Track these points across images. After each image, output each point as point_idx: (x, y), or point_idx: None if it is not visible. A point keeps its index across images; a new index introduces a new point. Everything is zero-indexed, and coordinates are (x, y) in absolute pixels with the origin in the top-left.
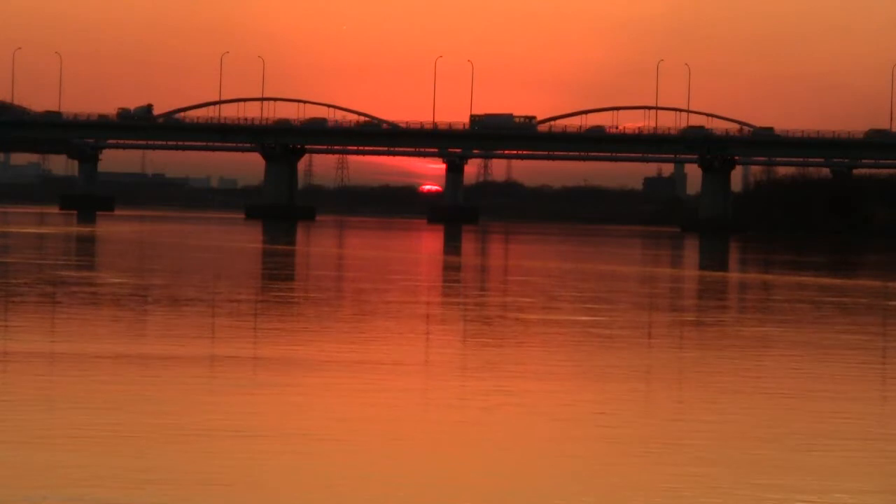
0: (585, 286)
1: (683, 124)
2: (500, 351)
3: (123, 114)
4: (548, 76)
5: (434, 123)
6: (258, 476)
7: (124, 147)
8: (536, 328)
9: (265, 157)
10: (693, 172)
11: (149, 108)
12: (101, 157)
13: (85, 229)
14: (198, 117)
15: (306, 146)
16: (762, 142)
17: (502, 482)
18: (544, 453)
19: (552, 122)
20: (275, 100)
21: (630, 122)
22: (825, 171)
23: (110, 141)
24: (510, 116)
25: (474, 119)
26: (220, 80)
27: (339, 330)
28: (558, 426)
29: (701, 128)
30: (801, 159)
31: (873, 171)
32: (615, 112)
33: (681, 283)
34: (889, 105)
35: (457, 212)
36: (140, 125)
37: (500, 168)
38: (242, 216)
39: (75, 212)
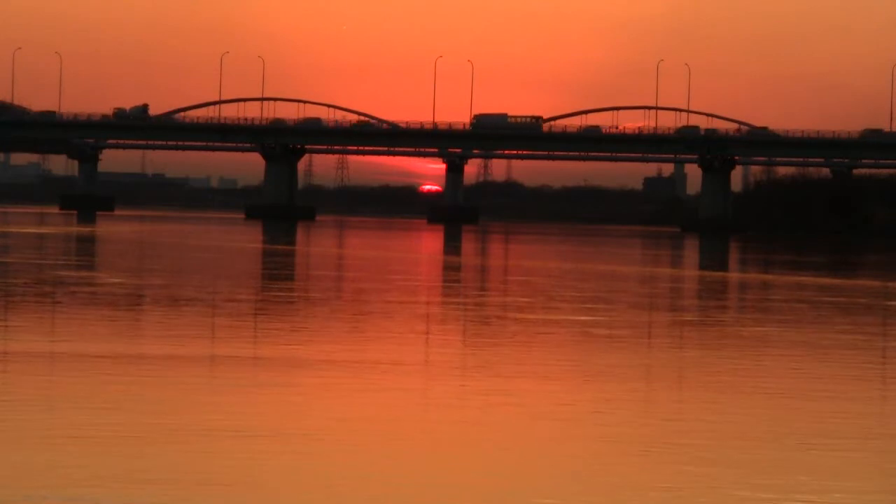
0: (585, 286)
1: (683, 124)
2: (500, 351)
3: (119, 113)
4: (548, 76)
5: (434, 123)
6: (258, 476)
7: (124, 147)
8: (536, 328)
9: (265, 157)
10: (693, 172)
11: (144, 107)
12: (101, 157)
13: (85, 229)
14: (198, 117)
15: (306, 146)
16: (762, 142)
17: (502, 482)
18: (544, 453)
19: (552, 122)
20: (275, 100)
21: (630, 122)
22: (825, 171)
23: (110, 141)
24: (504, 116)
25: (477, 119)
26: (220, 80)
27: (339, 330)
28: (558, 426)
29: (696, 127)
30: (801, 159)
31: (873, 171)
32: (615, 112)
33: (681, 284)
34: (889, 105)
35: (457, 212)
36: (140, 125)
37: (500, 168)
38: (242, 216)
39: (75, 212)
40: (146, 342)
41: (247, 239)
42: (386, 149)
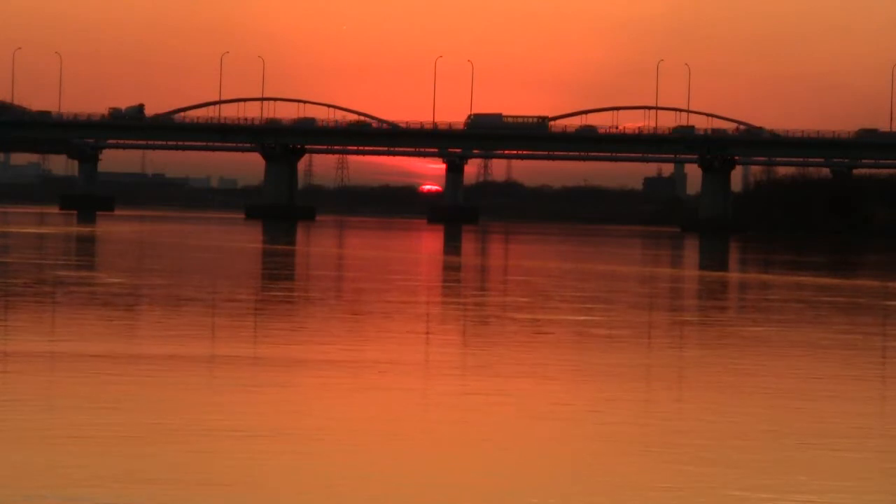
0: (585, 286)
1: (683, 124)
2: (500, 351)
3: (115, 113)
4: (548, 76)
5: (434, 123)
6: (258, 476)
7: (124, 147)
8: (535, 328)
9: (265, 157)
10: (693, 172)
11: (140, 107)
12: (101, 157)
13: (85, 229)
14: (198, 117)
15: (306, 146)
16: (762, 142)
17: (502, 482)
18: (543, 453)
19: (552, 122)
20: (275, 100)
21: (630, 122)
22: (825, 171)
23: (110, 141)
24: (500, 116)
25: (473, 119)
26: (220, 80)
27: (339, 330)
28: (557, 426)
29: (692, 127)
30: (801, 159)
31: (873, 171)
32: (615, 112)
33: (680, 284)
34: (888, 105)
35: (457, 212)
36: (140, 125)
37: (500, 168)
38: (242, 216)
39: (75, 212)
40: (146, 342)
41: (247, 239)
42: (386, 149)
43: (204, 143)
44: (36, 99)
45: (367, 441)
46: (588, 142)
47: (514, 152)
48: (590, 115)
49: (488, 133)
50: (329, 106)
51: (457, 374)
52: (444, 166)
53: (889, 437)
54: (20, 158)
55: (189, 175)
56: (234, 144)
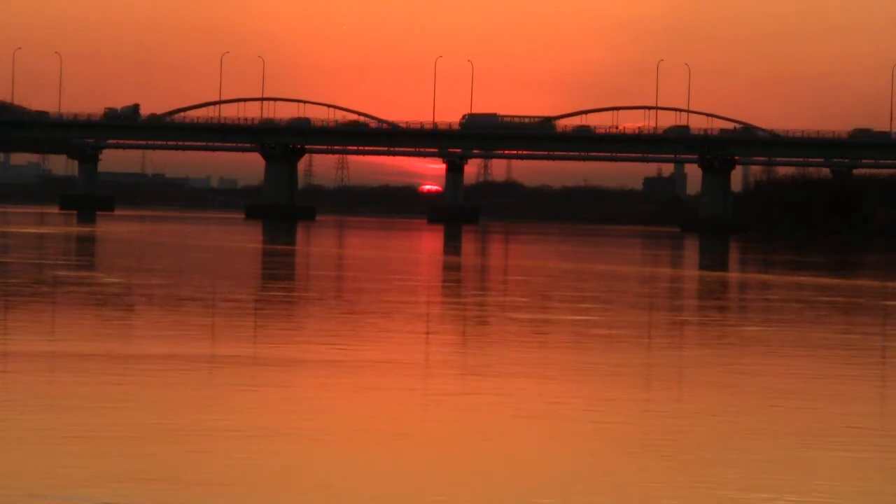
0: (585, 286)
1: (684, 124)
2: (499, 350)
3: (110, 113)
4: (548, 76)
5: (434, 123)
6: (258, 476)
7: (124, 147)
8: (535, 328)
9: (265, 157)
10: (693, 172)
11: (135, 107)
12: (101, 157)
13: (85, 229)
14: (197, 117)
15: (306, 146)
16: (762, 142)
17: (502, 482)
18: (543, 453)
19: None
20: (275, 100)
21: (630, 122)
22: (825, 171)
23: (110, 141)
24: (495, 116)
25: (468, 119)
26: (220, 80)
27: (339, 330)
28: (557, 425)
29: (686, 127)
30: (801, 159)
31: (873, 171)
32: (615, 112)
33: (680, 284)
34: (888, 105)
35: (457, 212)
36: (140, 125)
37: (500, 168)
38: (242, 216)
39: (75, 212)
40: (146, 342)
41: (247, 239)
42: (386, 149)
43: (204, 143)
44: (36, 99)
45: (366, 441)
46: (588, 142)
47: (514, 152)
48: (590, 115)
49: (489, 133)
50: (329, 106)
51: (456, 373)
52: (444, 166)
53: (888, 436)
54: (20, 158)
55: (189, 175)
56: (234, 144)
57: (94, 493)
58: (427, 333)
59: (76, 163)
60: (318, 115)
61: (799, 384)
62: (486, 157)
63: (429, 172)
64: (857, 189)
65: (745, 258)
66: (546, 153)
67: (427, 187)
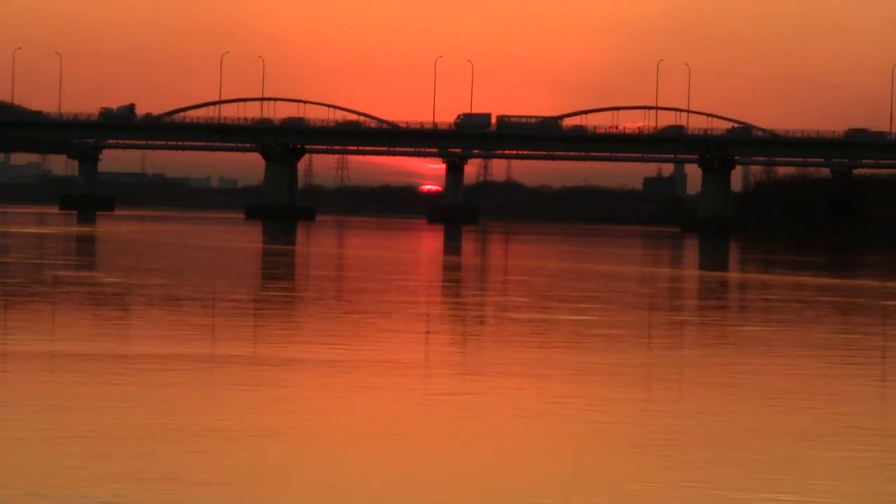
0: (585, 286)
1: (683, 124)
2: (499, 350)
3: (106, 113)
4: (548, 76)
5: (434, 123)
6: (258, 476)
7: (124, 147)
8: (535, 328)
9: (265, 157)
10: (693, 172)
11: (131, 107)
12: (101, 157)
13: (85, 229)
14: (198, 117)
15: (306, 146)
16: (762, 142)
17: (502, 482)
18: (543, 452)
19: (551, 123)
20: (275, 100)
21: (630, 122)
22: (825, 171)
23: (110, 141)
24: (488, 116)
25: (462, 118)
26: (221, 80)
27: (339, 330)
28: (557, 425)
29: (681, 127)
30: (801, 159)
31: (873, 171)
32: (615, 112)
33: (680, 284)
34: (889, 105)
35: (457, 212)
36: (141, 125)
37: (500, 168)
38: (242, 216)
39: (75, 212)
40: (146, 342)
41: (247, 239)
42: (386, 149)
43: (204, 143)
44: (36, 99)
45: (366, 441)
46: (588, 142)
47: (514, 152)
48: (590, 115)
49: (489, 133)
50: (329, 106)
51: (456, 373)
52: (444, 166)
53: (888, 436)
54: (20, 158)
55: (189, 175)
56: (234, 144)
57: (94, 493)
58: (427, 333)
59: (76, 163)
60: (317, 115)
61: (799, 384)
62: (486, 157)
63: (429, 172)
64: (857, 189)
65: (745, 258)
66: (546, 153)
67: (427, 187)
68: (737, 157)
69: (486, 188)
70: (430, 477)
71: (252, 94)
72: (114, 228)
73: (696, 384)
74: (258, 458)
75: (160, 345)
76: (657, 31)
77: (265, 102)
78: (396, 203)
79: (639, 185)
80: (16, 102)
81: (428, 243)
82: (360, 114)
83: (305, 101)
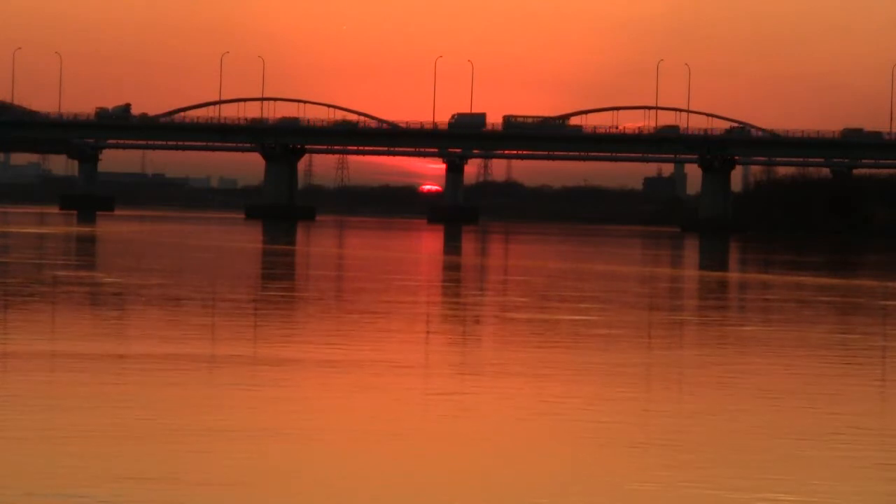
0: (585, 286)
1: (683, 124)
2: (499, 350)
3: (102, 113)
4: (548, 76)
5: (434, 123)
6: (258, 476)
7: (124, 147)
8: (534, 328)
9: (265, 157)
10: (693, 172)
11: (127, 107)
12: (101, 157)
13: (85, 229)
14: (198, 117)
15: (306, 146)
16: (762, 142)
17: (502, 481)
18: (543, 452)
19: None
20: (275, 100)
21: (630, 122)
22: (825, 171)
23: (110, 141)
24: (482, 115)
25: (456, 118)
26: (221, 80)
27: (339, 330)
28: (556, 425)
29: (676, 127)
30: (801, 159)
31: (873, 171)
32: (615, 112)
33: (680, 284)
34: (889, 105)
35: (457, 212)
36: (140, 125)
37: (500, 168)
38: (242, 216)
39: (75, 212)
40: (145, 342)
41: (247, 239)
42: (386, 149)
43: (204, 143)
44: (36, 99)
45: (366, 441)
46: (588, 142)
47: (515, 152)
48: (590, 115)
49: (490, 132)
50: (329, 106)
51: (456, 373)
52: (444, 166)
53: (888, 436)
54: (20, 158)
55: (189, 175)
56: (234, 144)
57: (94, 492)
58: (427, 333)
59: (76, 163)
60: (317, 115)
61: (799, 384)
62: (486, 157)
63: (429, 172)
64: (857, 189)
65: (745, 258)
66: (546, 153)
67: (427, 187)
68: (737, 157)
69: (486, 188)
70: (430, 477)
71: (252, 94)
72: (114, 228)
73: (695, 384)
74: (258, 458)
75: (160, 345)
76: (657, 31)
77: (265, 102)
78: (396, 203)
79: (639, 185)
80: (16, 102)
81: (428, 243)
82: (360, 114)
83: (305, 101)
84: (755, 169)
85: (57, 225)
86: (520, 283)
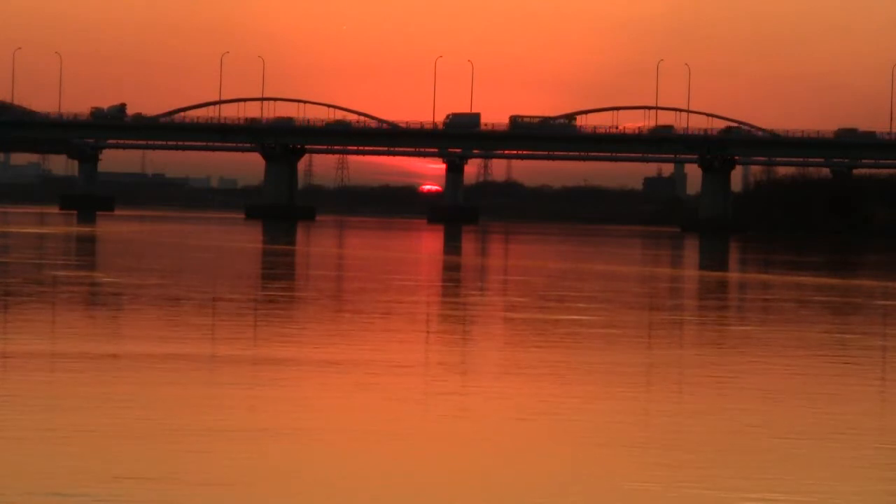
0: (584, 286)
1: (683, 124)
2: (499, 350)
3: (97, 113)
4: (548, 76)
5: (434, 123)
6: (258, 476)
7: (124, 147)
8: (534, 328)
9: (265, 157)
10: (693, 172)
11: (122, 106)
12: (101, 157)
13: (85, 229)
14: (198, 117)
15: (306, 146)
16: (762, 142)
17: (501, 481)
18: (542, 453)
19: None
20: (275, 100)
21: (630, 122)
22: (825, 171)
23: (110, 141)
24: (477, 115)
25: (451, 118)
26: (220, 80)
27: (339, 330)
28: (556, 425)
29: (670, 126)
30: (801, 159)
31: (873, 171)
32: (615, 112)
33: (680, 284)
34: (889, 105)
35: (457, 212)
36: (141, 125)
37: (500, 168)
38: (242, 216)
39: (75, 212)
40: (145, 342)
41: (247, 239)
42: (386, 149)
43: (204, 143)
44: (36, 99)
45: (366, 441)
46: (588, 142)
47: (515, 152)
48: (590, 115)
49: (491, 132)
50: (328, 106)
51: (455, 373)
52: (444, 166)
53: (887, 435)
54: (20, 158)
55: (189, 175)
56: (234, 144)
57: (94, 492)
58: (426, 333)
59: (76, 163)
60: (317, 114)
61: (798, 384)
62: (486, 157)
63: (429, 172)
64: (857, 189)
65: (744, 258)
66: (546, 153)
67: (427, 187)
68: (737, 157)
69: (486, 188)
70: (430, 477)
71: (252, 94)
72: (114, 228)
73: (695, 384)
74: (258, 458)
75: (160, 345)
76: (657, 31)
77: (265, 102)
78: (396, 203)
79: (639, 185)
80: (16, 102)
81: (428, 243)
82: (360, 114)
83: (305, 101)
84: (755, 169)
85: (57, 225)
86: (520, 283)
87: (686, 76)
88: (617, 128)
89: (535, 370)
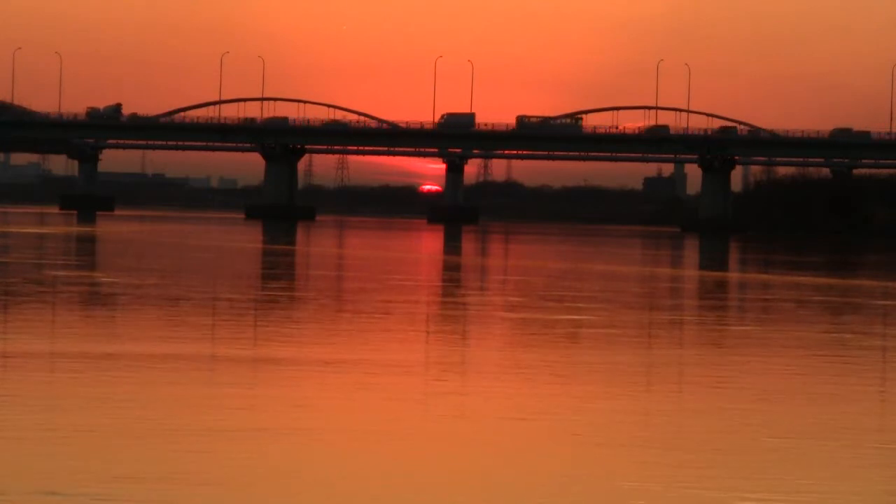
0: (584, 286)
1: (683, 124)
2: (499, 350)
3: (93, 113)
4: (548, 76)
5: (434, 123)
6: (258, 476)
7: (124, 147)
8: (534, 328)
9: (265, 157)
10: (693, 172)
11: (118, 107)
12: (101, 157)
13: (85, 229)
14: (198, 117)
15: (306, 146)
16: (762, 142)
17: (501, 481)
18: (542, 452)
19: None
20: (275, 100)
21: (630, 122)
22: (825, 171)
23: (110, 141)
24: (472, 115)
25: (446, 118)
26: (220, 80)
27: (338, 330)
28: (555, 425)
29: (666, 126)
30: (801, 159)
31: (873, 171)
32: (615, 112)
33: (680, 283)
34: (889, 105)
35: (457, 212)
36: (139, 125)
37: (500, 168)
38: (242, 216)
39: (75, 212)
40: (145, 342)
41: (247, 239)
42: (386, 149)
43: (204, 143)
44: (35, 99)
45: (366, 441)
46: (588, 142)
47: (515, 152)
48: (590, 115)
49: (491, 132)
50: (328, 106)
51: (455, 373)
52: (444, 166)
53: (887, 435)
54: (20, 158)
55: (189, 175)
56: (234, 144)
57: (94, 492)
58: (426, 333)
59: (76, 163)
60: (317, 114)
61: (798, 384)
62: (487, 156)
63: (429, 172)
64: (857, 189)
65: (744, 258)
66: (546, 153)
67: (427, 187)
68: (737, 157)
69: (486, 188)
70: (430, 477)
71: (252, 94)
72: (114, 228)
73: (695, 384)
74: (258, 458)
75: (160, 345)
76: (657, 31)
77: (265, 102)
78: (396, 203)
79: (639, 185)
80: (16, 102)
81: (428, 243)
82: (359, 113)
83: (305, 101)
84: (755, 169)
85: (57, 225)
86: (520, 283)
87: (686, 76)
88: (617, 128)
89: (535, 370)
